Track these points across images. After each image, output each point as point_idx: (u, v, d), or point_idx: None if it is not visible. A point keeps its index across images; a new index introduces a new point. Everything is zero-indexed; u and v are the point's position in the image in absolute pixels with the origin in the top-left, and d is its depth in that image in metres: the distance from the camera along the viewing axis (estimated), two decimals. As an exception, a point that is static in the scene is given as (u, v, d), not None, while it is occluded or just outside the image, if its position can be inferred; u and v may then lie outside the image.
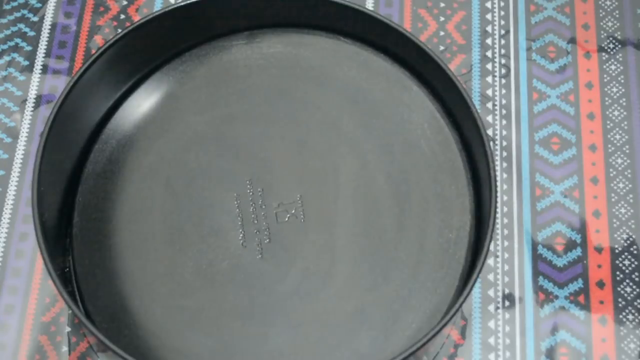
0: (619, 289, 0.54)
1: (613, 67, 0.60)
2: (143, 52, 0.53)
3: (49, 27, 0.62)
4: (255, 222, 0.51)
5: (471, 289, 0.46)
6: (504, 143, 0.58)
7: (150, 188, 0.52)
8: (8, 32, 0.62)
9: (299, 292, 0.50)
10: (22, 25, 0.62)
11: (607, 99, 0.59)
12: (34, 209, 0.47)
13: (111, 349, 0.44)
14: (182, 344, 0.49)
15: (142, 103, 0.54)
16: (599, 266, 0.55)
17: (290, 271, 0.50)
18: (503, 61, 0.60)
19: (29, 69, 0.60)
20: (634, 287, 0.54)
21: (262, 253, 0.50)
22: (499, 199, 0.57)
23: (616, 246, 0.55)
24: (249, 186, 0.52)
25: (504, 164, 0.57)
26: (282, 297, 0.50)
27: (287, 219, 0.51)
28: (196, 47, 0.55)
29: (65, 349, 0.53)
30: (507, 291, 0.54)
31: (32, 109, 0.59)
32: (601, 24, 0.61)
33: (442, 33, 0.61)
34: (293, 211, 0.51)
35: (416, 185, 0.51)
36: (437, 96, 0.53)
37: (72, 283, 0.50)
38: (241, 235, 0.51)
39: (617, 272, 0.55)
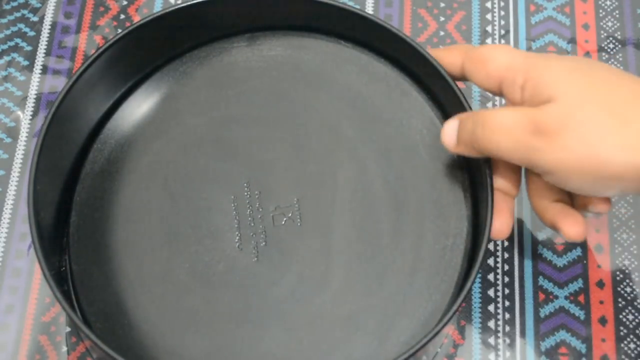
0: (619, 289, 0.54)
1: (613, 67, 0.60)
2: (143, 52, 0.53)
3: (49, 27, 0.62)
4: (252, 224, 0.51)
5: (464, 297, 0.46)
6: (504, 143, 0.58)
7: (148, 189, 0.52)
8: (8, 32, 0.62)
9: (293, 295, 0.50)
10: (22, 25, 0.62)
11: (607, 99, 0.59)
12: (30, 207, 0.47)
13: (102, 349, 0.44)
14: (175, 345, 0.49)
15: (142, 103, 0.54)
16: (599, 266, 0.55)
17: (285, 275, 0.50)
18: (503, 61, 0.60)
19: (29, 69, 0.60)
20: (634, 287, 0.54)
21: (258, 256, 0.50)
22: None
23: (616, 246, 0.55)
24: (246, 189, 0.52)
25: (504, 164, 0.57)
26: (276, 300, 0.49)
27: (283, 223, 0.51)
28: (196, 49, 0.55)
29: (65, 349, 0.53)
30: (507, 291, 0.54)
31: (32, 109, 0.59)
32: (601, 24, 0.61)
33: (442, 33, 0.61)
34: (290, 215, 0.51)
35: (413, 191, 0.51)
36: (437, 102, 0.53)
37: (68, 282, 0.50)
38: (237, 237, 0.51)
39: (617, 272, 0.55)
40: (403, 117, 0.53)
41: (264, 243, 0.51)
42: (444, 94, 0.52)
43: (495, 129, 0.45)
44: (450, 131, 0.48)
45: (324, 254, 0.50)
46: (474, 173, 0.51)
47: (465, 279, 0.49)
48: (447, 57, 0.50)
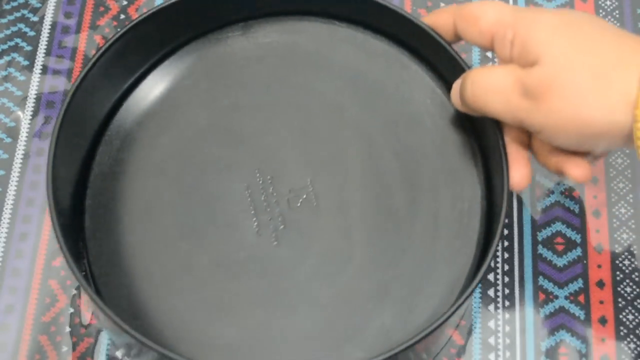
0: (619, 289, 0.54)
1: (613, 67, 0.60)
2: (140, 50, 0.53)
3: (49, 27, 0.62)
4: (268, 209, 0.51)
5: (492, 258, 0.46)
6: (504, 143, 0.58)
7: (159, 185, 0.52)
8: (8, 32, 0.62)
9: (318, 274, 0.50)
10: (22, 25, 0.62)
11: (607, 99, 0.59)
12: (52, 211, 0.46)
13: (150, 347, 0.44)
14: (206, 337, 0.49)
15: (143, 101, 0.54)
16: (599, 266, 0.55)
17: (308, 255, 0.50)
18: (503, 61, 0.60)
19: (29, 69, 0.60)
20: (634, 287, 0.54)
21: (278, 240, 0.50)
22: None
23: (616, 246, 0.55)
24: (258, 175, 0.52)
25: (504, 164, 0.57)
26: (302, 281, 0.50)
27: (299, 204, 0.51)
28: (192, 42, 0.55)
29: (65, 349, 0.53)
30: (507, 291, 0.54)
31: (32, 109, 0.59)
32: (601, 23, 0.61)
33: (442, 33, 0.61)
34: (304, 196, 0.51)
35: (424, 161, 0.52)
36: (437, 72, 0.54)
37: (91, 286, 0.50)
38: (255, 224, 0.51)
39: (617, 272, 0.55)
40: (405, 90, 0.54)
41: (282, 226, 0.51)
42: (444, 62, 0.52)
43: (485, 89, 0.46)
44: (456, 91, 0.49)
45: (343, 230, 0.51)
46: (481, 135, 0.52)
47: (486, 241, 0.49)
48: (439, 20, 0.51)
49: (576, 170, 0.47)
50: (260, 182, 0.52)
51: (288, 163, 0.52)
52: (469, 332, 0.53)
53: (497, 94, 0.46)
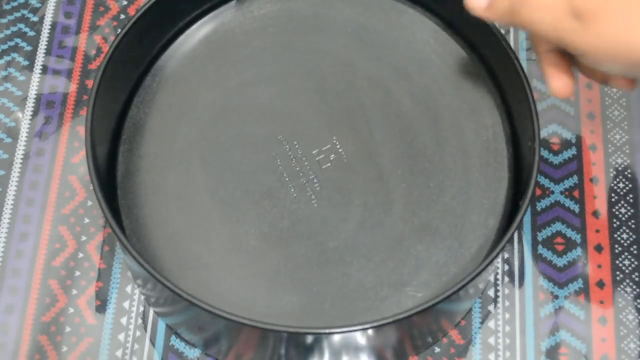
0: (619, 289, 0.54)
1: (613, 67, 0.60)
2: (140, 47, 0.53)
3: (49, 27, 0.62)
4: (301, 174, 0.52)
5: (537, 172, 0.48)
6: (504, 143, 0.58)
7: (189, 173, 0.52)
8: (8, 32, 0.62)
9: (364, 225, 0.50)
10: (22, 25, 0.62)
11: (607, 99, 0.59)
12: (101, 202, 0.46)
13: (224, 317, 0.44)
14: (267, 307, 0.49)
15: (153, 94, 0.54)
16: (599, 266, 0.55)
17: (349, 209, 0.51)
18: (503, 61, 0.60)
19: (29, 69, 0.60)
20: (634, 287, 0.54)
21: (317, 200, 0.51)
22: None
23: (616, 246, 0.55)
24: (283, 143, 0.52)
25: (504, 164, 0.57)
26: (350, 235, 0.50)
27: (330, 163, 0.52)
28: (188, 28, 0.55)
29: (65, 349, 0.53)
30: (507, 291, 0.54)
31: (32, 109, 0.59)
32: (601, 24, 0.61)
33: (442, 33, 0.61)
34: (333, 154, 0.52)
35: (440, 97, 0.53)
36: (433, 12, 0.55)
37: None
38: (292, 190, 0.51)
39: (617, 272, 0.55)
40: (407, 34, 0.55)
41: (318, 187, 0.51)
42: (439, 1, 0.54)
43: (535, 7, 0.45)
44: None
45: (378, 179, 0.51)
46: (491, 63, 0.53)
47: (517, 164, 0.51)
48: None
49: (622, 81, 0.47)
50: (288, 149, 0.52)
51: (310, 126, 0.53)
52: (469, 332, 0.53)
53: (546, 12, 0.45)
